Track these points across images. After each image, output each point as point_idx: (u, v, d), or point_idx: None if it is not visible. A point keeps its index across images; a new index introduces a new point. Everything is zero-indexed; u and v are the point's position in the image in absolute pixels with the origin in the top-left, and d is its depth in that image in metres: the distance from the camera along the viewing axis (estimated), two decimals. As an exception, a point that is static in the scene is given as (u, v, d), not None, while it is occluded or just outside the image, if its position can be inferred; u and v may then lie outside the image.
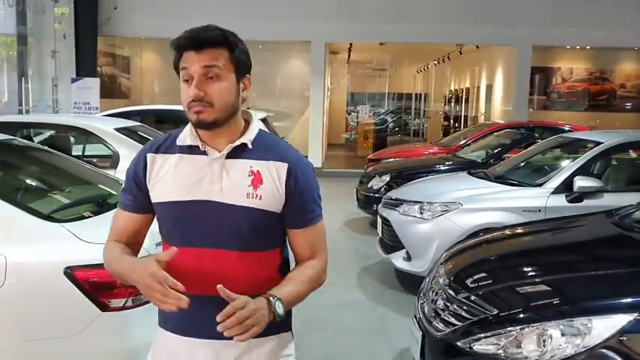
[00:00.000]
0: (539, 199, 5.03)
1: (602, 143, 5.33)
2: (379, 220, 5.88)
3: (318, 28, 13.38)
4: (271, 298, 1.53)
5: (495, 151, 8.24)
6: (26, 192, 2.97)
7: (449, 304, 2.93)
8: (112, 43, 15.72)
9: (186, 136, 1.63)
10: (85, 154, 5.40)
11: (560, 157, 5.95)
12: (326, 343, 4.22)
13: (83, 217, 2.80)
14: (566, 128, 10.09)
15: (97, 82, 12.61)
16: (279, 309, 1.53)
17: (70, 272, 2.43)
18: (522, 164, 6.14)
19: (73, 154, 5.34)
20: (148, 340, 2.15)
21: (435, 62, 19.97)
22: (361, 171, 9.23)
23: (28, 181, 3.11)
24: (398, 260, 5.32)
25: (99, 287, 2.46)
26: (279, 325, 1.63)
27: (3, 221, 2.53)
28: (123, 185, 1.70)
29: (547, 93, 16.38)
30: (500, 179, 5.67)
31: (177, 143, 1.64)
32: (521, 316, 2.57)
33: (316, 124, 14.16)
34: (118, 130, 5.55)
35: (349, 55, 18.91)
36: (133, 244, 1.70)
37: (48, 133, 5.97)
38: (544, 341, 2.43)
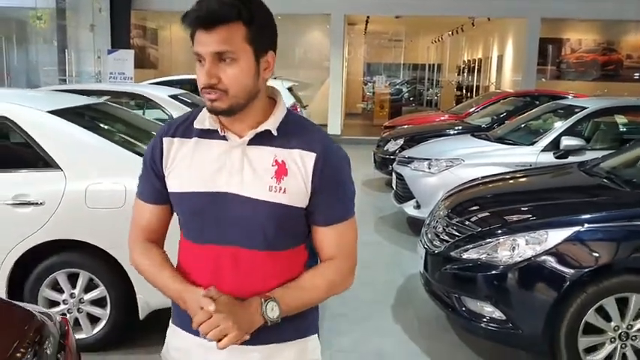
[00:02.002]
0: (531, 155, 5.92)
1: (587, 108, 6.20)
2: (394, 175, 6.81)
3: (338, 1, 14.13)
4: (262, 301, 1.37)
5: (499, 116, 9.09)
6: (128, 140, 3.91)
7: (446, 228, 3.87)
8: (143, 17, 16.59)
9: (205, 117, 1.44)
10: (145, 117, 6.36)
11: (552, 121, 6.80)
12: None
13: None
14: (570, 97, 10.84)
15: (131, 53, 13.50)
16: (272, 313, 1.36)
17: (172, 196, 3.38)
18: (518, 127, 7.02)
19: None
20: None
21: (449, 33, 20.62)
22: (377, 138, 10.10)
23: (127, 132, 4.06)
24: (409, 208, 6.27)
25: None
26: (302, 328, 1.52)
27: (121, 161, 3.48)
28: (140, 172, 1.54)
29: (557, 63, 17.03)
30: (499, 140, 6.58)
31: (195, 125, 1.45)
32: (498, 231, 3.50)
33: (336, 93, 14.99)
34: (170, 96, 6.50)
35: (366, 27, 19.62)
36: (158, 239, 1.56)
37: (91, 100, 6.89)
38: (513, 248, 3.35)
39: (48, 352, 1.97)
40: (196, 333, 1.37)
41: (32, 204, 3.28)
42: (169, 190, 1.47)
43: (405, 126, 10.39)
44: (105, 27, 13.99)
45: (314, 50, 17.81)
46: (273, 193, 1.39)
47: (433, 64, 24.80)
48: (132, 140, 3.90)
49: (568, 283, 3.16)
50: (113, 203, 3.28)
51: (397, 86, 22.98)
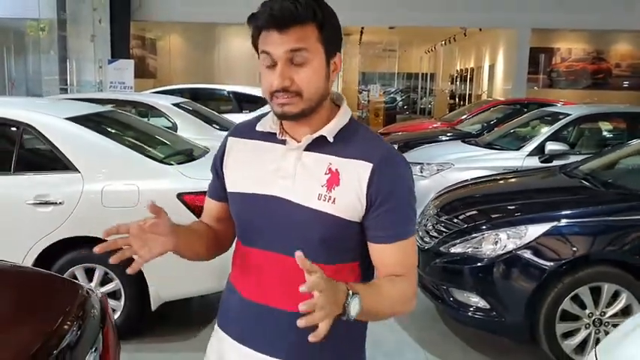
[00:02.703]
0: (517, 160, 6.22)
1: (570, 115, 6.52)
2: (387, 180, 7.11)
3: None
4: (350, 292, 1.22)
5: (489, 124, 9.42)
6: (138, 145, 4.18)
7: (435, 225, 4.16)
8: (142, 27, 16.91)
9: (268, 121, 1.43)
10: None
11: (538, 127, 7.12)
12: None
13: (184, 162, 4.05)
14: (559, 105, 11.18)
15: (131, 63, 13.78)
16: (354, 309, 1.21)
17: (181, 196, 3.66)
18: (506, 133, 7.34)
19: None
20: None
21: (442, 43, 21.02)
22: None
23: (137, 137, 4.33)
24: (402, 211, 6.57)
25: (199, 207, 3.69)
26: (352, 348, 1.49)
27: (134, 164, 3.77)
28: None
29: (548, 72, 17.43)
30: (488, 145, 6.89)
31: (257, 128, 1.44)
32: (483, 227, 3.79)
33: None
34: (174, 104, 6.79)
35: (361, 37, 20.01)
36: (220, 230, 1.55)
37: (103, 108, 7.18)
38: (496, 242, 3.64)
39: (91, 326, 2.04)
40: (237, 339, 1.44)
41: (52, 204, 3.55)
42: (227, 189, 1.48)
43: (400, 133, 10.71)
44: (105, 37, 14.28)
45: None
46: (322, 201, 1.33)
47: (426, 74, 25.23)
48: (141, 145, 4.17)
49: (546, 273, 3.45)
50: (127, 203, 3.55)
51: (391, 95, 23.40)
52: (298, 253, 1.15)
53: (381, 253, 1.38)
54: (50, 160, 3.67)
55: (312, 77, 1.31)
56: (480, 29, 16.47)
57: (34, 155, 3.94)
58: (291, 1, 1.27)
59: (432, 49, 23.97)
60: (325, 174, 1.34)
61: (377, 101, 19.03)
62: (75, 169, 3.60)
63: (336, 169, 1.34)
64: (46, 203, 3.55)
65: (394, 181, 1.35)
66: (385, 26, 16.34)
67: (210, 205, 1.56)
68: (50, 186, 3.59)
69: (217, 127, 7.13)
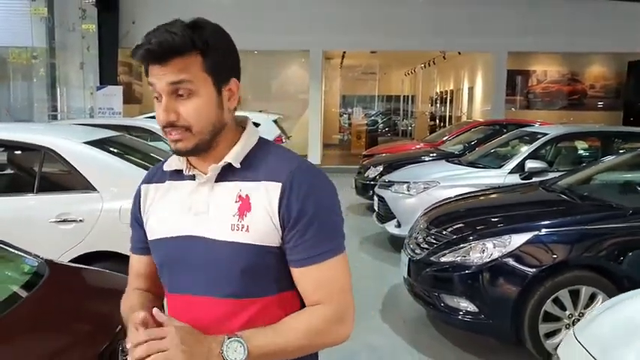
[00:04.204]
0: (499, 177, 6.59)
1: (548, 134, 6.95)
2: (375, 198, 7.44)
3: (316, 39, 14.94)
4: (225, 338, 1.19)
5: (470, 144, 9.84)
6: (149, 166, 4.46)
7: (425, 238, 4.49)
8: (129, 54, 17.19)
9: (174, 159, 1.35)
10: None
11: (518, 146, 7.53)
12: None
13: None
14: (537, 125, 11.67)
15: (119, 89, 14.06)
16: (234, 354, 1.17)
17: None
18: (488, 152, 7.75)
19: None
20: None
21: (422, 66, 21.63)
22: (354, 167, 10.75)
23: (147, 159, 4.61)
24: (390, 227, 6.89)
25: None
26: None
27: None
28: None
29: (525, 94, 18.06)
30: (471, 164, 7.29)
31: (165, 168, 1.37)
32: (470, 237, 4.13)
33: (315, 125, 15.70)
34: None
35: (342, 61, 20.52)
36: (150, 287, 1.46)
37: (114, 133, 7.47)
38: (483, 250, 3.98)
39: None
40: None
41: (73, 221, 3.82)
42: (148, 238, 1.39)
43: (383, 154, 11.07)
44: (94, 64, 14.57)
45: (292, 84, 18.60)
46: (235, 232, 1.24)
47: (407, 96, 25.81)
48: (150, 165, 4.45)
49: (529, 278, 3.78)
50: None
51: (372, 117, 23.87)
52: (154, 310, 1.18)
53: (298, 279, 1.29)
54: (71, 180, 3.96)
55: (201, 109, 1.23)
56: (460, 53, 17.06)
57: (55, 177, 4.22)
58: (170, 32, 1.20)
59: (411, 72, 24.59)
60: (236, 202, 1.26)
61: (359, 124, 19.45)
62: (94, 189, 3.88)
63: (246, 195, 1.26)
64: (68, 221, 3.82)
65: (305, 198, 1.25)
66: (367, 50, 16.86)
67: (137, 264, 1.47)
68: (71, 205, 3.87)
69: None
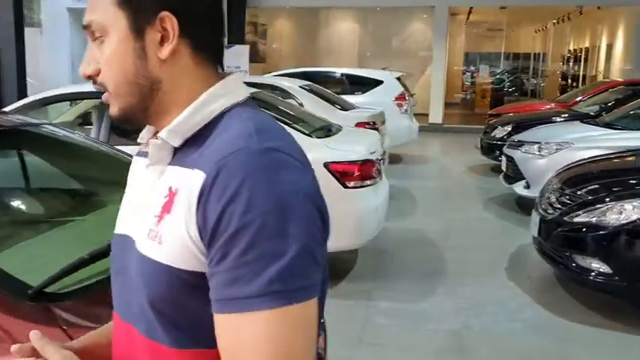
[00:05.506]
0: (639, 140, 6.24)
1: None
2: (503, 158, 7.31)
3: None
4: None
5: (607, 105, 9.29)
6: (288, 122, 4.73)
7: (559, 198, 4.41)
8: (254, 14, 17.77)
9: (147, 127, 0.97)
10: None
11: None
12: (461, 244, 5.81)
13: (322, 137, 4.56)
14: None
15: (246, 48, 14.59)
16: None
17: (327, 165, 4.16)
18: (627, 113, 7.30)
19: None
20: (373, 206, 3.87)
21: (555, 22, 20.40)
22: (477, 127, 10.55)
23: (285, 116, 4.90)
24: (519, 188, 6.76)
25: (342, 174, 4.18)
26: None
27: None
28: None
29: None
30: (607, 125, 6.92)
31: (138, 140, 0.98)
32: (607, 199, 4.02)
33: (438, 83, 15.43)
34: (300, 87, 7.36)
35: (468, 17, 19.83)
36: None
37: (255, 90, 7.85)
38: (621, 212, 3.87)
39: None
40: None
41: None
42: None
43: (511, 114, 10.74)
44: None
45: (413, 41, 18.33)
46: (150, 241, 0.85)
47: (536, 54, 24.51)
48: (288, 121, 4.72)
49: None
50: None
51: (498, 76, 22.96)
52: (31, 334, 0.88)
53: (215, 329, 0.79)
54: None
55: (112, 59, 0.87)
56: (599, 7, 15.90)
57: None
58: None
59: (542, 28, 23.27)
60: (165, 197, 0.85)
61: (483, 82, 18.84)
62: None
63: (176, 189, 0.84)
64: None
65: (230, 202, 0.76)
66: (496, 5, 16.17)
67: None
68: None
69: (339, 107, 7.62)
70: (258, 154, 0.78)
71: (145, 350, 0.87)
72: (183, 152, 0.87)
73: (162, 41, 0.86)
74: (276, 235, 0.75)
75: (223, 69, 0.94)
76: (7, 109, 4.52)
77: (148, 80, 0.87)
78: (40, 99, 4.83)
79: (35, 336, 0.89)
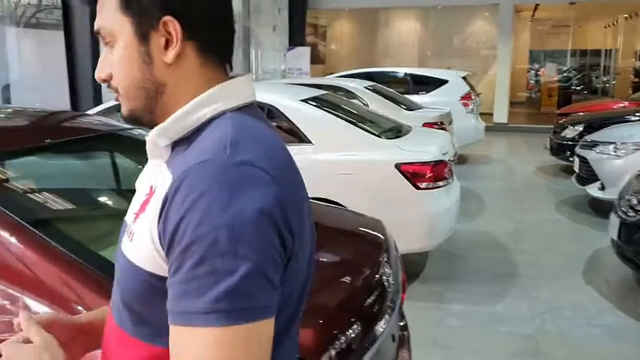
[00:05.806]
0: None
1: None
2: (576, 159, 7.08)
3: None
4: None
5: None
6: (357, 123, 4.74)
7: (640, 200, 4.25)
8: (315, 15, 17.90)
9: None
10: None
11: None
12: (533, 247, 5.67)
13: (393, 138, 4.55)
14: None
15: (307, 50, 14.72)
16: None
17: (398, 166, 4.15)
18: None
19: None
20: (445, 207, 3.83)
21: (626, 17, 19.59)
22: (544, 126, 10.27)
23: (354, 117, 4.91)
24: (593, 190, 6.54)
25: (414, 175, 4.16)
26: None
27: (357, 138, 4.35)
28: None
29: None
30: (689, 124, 6.59)
31: None
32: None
33: (503, 82, 15.12)
34: (365, 87, 7.37)
35: (533, 14, 19.31)
36: None
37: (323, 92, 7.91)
38: None
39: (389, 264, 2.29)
40: None
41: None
42: None
43: (581, 113, 10.39)
44: (284, 26, 15.37)
45: (475, 40, 18.00)
46: (127, 239, 0.89)
47: (605, 50, 23.58)
48: (357, 122, 4.74)
49: None
50: (352, 170, 4.15)
51: (565, 74, 22.24)
52: (20, 313, 0.94)
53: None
54: (288, 133, 4.35)
55: (118, 64, 0.90)
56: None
57: (276, 130, 4.67)
58: None
59: (612, 24, 22.37)
60: (145, 195, 0.88)
61: (550, 80, 18.31)
62: (309, 142, 4.25)
63: (155, 188, 0.86)
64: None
65: (188, 212, 0.75)
66: (565, 1, 15.70)
67: None
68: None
69: (404, 107, 7.58)
70: (225, 168, 0.77)
71: (116, 337, 0.92)
72: (176, 152, 0.89)
73: (167, 45, 0.87)
74: (227, 252, 0.73)
75: (232, 68, 0.94)
76: (90, 112, 4.73)
77: (153, 84, 0.89)
78: (116, 104, 5.02)
79: (24, 315, 0.94)
